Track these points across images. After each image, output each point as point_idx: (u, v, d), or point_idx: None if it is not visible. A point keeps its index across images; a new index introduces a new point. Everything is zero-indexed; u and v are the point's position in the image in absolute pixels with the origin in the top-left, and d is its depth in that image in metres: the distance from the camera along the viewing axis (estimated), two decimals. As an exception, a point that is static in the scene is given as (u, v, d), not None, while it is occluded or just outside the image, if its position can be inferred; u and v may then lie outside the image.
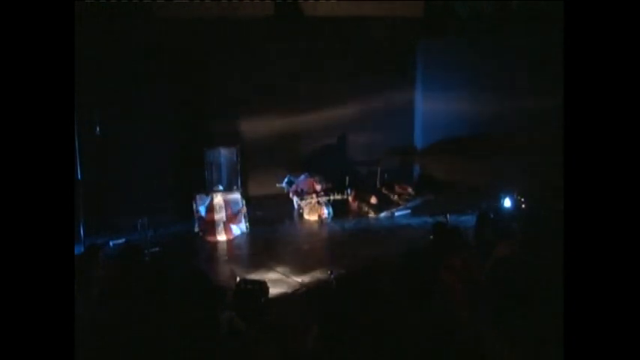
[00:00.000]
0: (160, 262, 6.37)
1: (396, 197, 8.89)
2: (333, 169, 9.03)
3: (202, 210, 7.45)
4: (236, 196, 7.64)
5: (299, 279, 5.88)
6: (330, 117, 9.27)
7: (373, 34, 9.17)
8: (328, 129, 9.38)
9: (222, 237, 7.41)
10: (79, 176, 6.57)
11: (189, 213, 7.59)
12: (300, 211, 8.48)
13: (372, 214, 8.51)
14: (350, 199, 8.71)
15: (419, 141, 9.94)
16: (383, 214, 8.51)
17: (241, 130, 8.88)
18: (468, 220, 6.88)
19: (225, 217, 7.45)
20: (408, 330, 3.19)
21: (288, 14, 8.46)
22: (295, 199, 8.59)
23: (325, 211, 8.31)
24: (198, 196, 7.49)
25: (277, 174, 8.83)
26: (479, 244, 4.94)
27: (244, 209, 7.67)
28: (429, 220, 7.94)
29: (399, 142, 9.77)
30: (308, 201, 8.40)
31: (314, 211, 8.34)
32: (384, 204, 8.71)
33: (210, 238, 7.39)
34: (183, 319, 3.33)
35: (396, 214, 8.53)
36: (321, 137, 9.39)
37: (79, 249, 5.90)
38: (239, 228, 7.62)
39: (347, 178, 8.80)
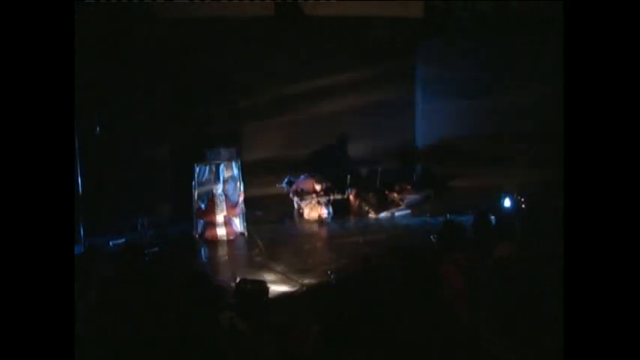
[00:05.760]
0: (159, 262, 6.37)
1: (396, 197, 8.89)
2: (333, 169, 9.02)
3: (203, 205, 7.44)
4: (234, 172, 7.58)
5: (299, 279, 5.87)
6: (330, 117, 9.26)
7: (373, 34, 9.17)
8: (328, 129, 9.37)
9: (222, 231, 7.38)
10: (79, 176, 6.57)
11: (189, 213, 7.58)
12: (300, 211, 8.47)
13: (372, 214, 8.51)
14: (350, 199, 8.70)
15: (419, 141, 9.93)
16: (383, 214, 8.51)
17: (241, 130, 8.88)
18: (468, 220, 6.86)
19: (226, 207, 7.41)
20: (408, 330, 3.19)
21: (288, 14, 8.45)
22: (295, 199, 8.58)
23: (325, 211, 8.31)
24: (197, 168, 7.44)
25: (277, 174, 8.82)
26: (479, 244, 4.93)
27: (242, 195, 7.60)
28: (429, 220, 7.96)
29: (399, 142, 9.75)
30: (308, 201, 8.39)
31: (314, 211, 8.33)
32: (384, 204, 8.71)
33: (210, 234, 7.38)
34: (184, 319, 3.33)
35: (396, 214, 8.53)
36: (321, 137, 9.38)
37: (79, 249, 5.90)
38: (239, 222, 7.60)
39: (347, 178, 8.80)
